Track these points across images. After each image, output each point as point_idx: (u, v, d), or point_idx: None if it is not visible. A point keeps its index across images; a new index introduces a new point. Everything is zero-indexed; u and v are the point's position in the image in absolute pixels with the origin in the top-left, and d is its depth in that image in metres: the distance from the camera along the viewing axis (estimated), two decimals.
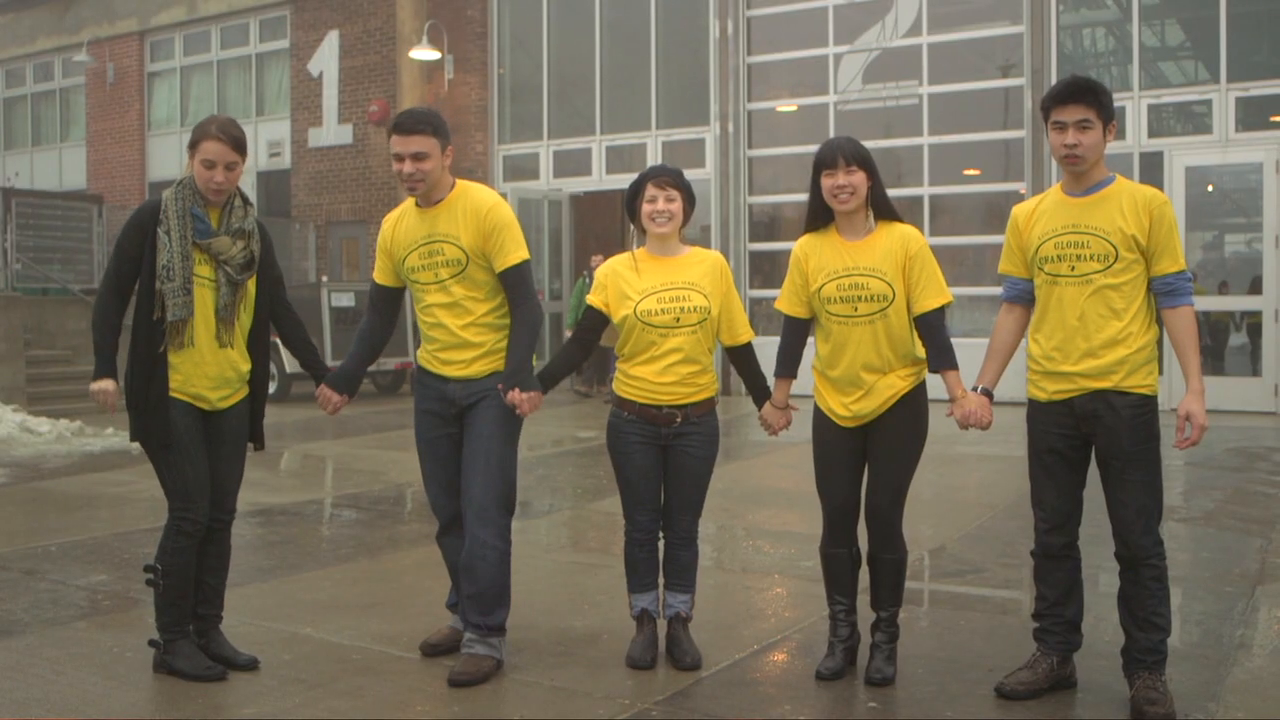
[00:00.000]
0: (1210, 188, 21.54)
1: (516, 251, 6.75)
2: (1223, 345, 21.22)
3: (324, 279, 24.47)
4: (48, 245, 26.13)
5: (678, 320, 6.74)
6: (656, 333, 6.76)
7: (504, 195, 25.66)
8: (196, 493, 6.63)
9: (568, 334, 24.38)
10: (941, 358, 6.60)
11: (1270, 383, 19.98)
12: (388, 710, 6.19)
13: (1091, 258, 6.11)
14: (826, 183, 6.48)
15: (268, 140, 30.48)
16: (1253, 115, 20.51)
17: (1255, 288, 20.18)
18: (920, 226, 22.55)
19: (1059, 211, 6.27)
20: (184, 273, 6.59)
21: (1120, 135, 20.46)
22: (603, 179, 26.19)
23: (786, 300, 6.86)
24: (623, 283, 6.91)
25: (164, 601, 6.65)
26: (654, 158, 24.99)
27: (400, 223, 7.02)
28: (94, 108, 34.35)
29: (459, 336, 6.83)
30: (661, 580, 7.05)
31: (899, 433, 6.61)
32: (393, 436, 17.49)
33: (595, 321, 7.04)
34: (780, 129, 24.80)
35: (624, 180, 25.47)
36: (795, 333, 6.92)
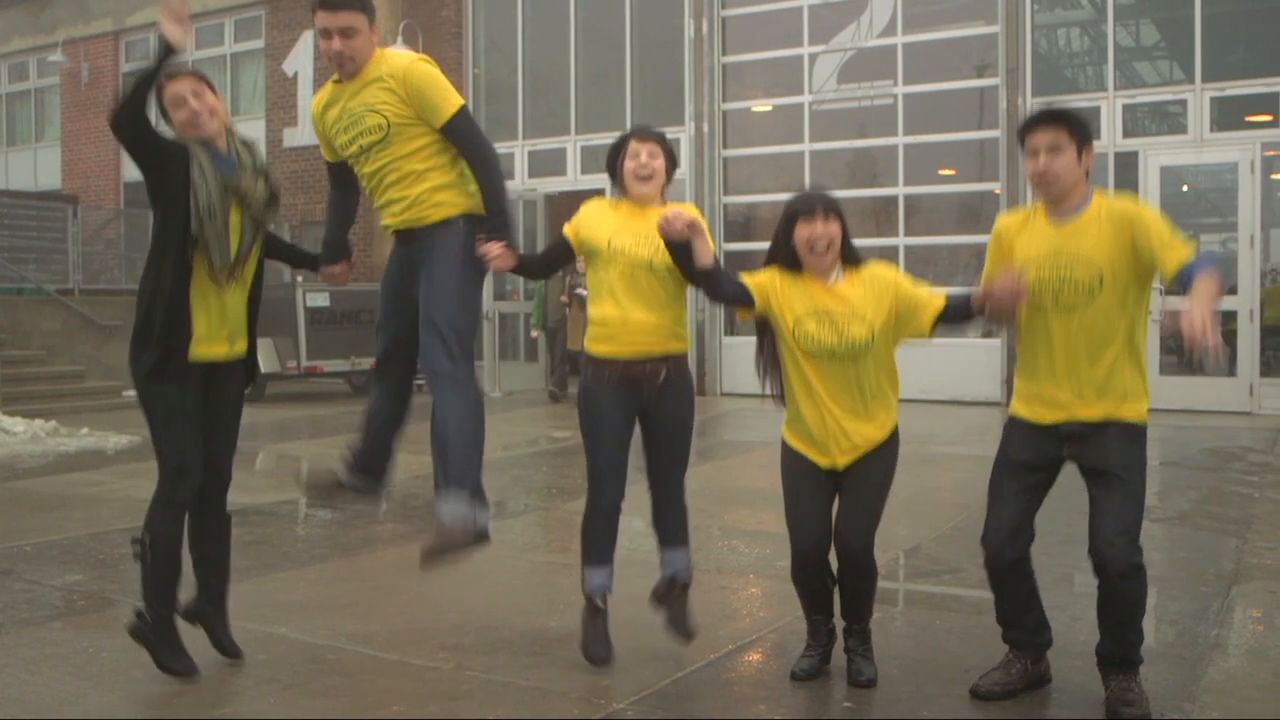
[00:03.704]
0: (1185, 188, 21.62)
1: (448, 103, 6.59)
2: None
3: (299, 279, 24.45)
4: (23, 245, 26.08)
5: (651, 263, 6.67)
6: (628, 265, 6.71)
7: None
8: (194, 466, 6.48)
9: (534, 334, 24.56)
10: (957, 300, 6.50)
11: (1245, 383, 20.04)
12: (363, 710, 6.18)
13: (1076, 287, 6.04)
14: (804, 232, 6.38)
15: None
16: (1227, 115, 20.57)
17: (1230, 288, 20.21)
18: (895, 226, 22.68)
19: (1041, 238, 6.21)
20: (224, 213, 6.40)
21: (1095, 135, 20.51)
22: (578, 179, 26.09)
23: (752, 279, 6.66)
24: (601, 218, 6.89)
25: (151, 574, 6.51)
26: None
27: (327, 106, 6.87)
28: (69, 108, 34.24)
29: (404, 196, 6.75)
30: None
31: (874, 471, 6.54)
32: None
33: (561, 249, 7.05)
34: (755, 129, 24.83)
35: (600, 180, 25.52)
36: (738, 292, 6.66)
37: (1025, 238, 6.28)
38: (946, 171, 23.26)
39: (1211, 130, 20.49)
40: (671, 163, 6.98)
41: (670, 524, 7.10)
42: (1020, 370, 6.41)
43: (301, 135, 29.06)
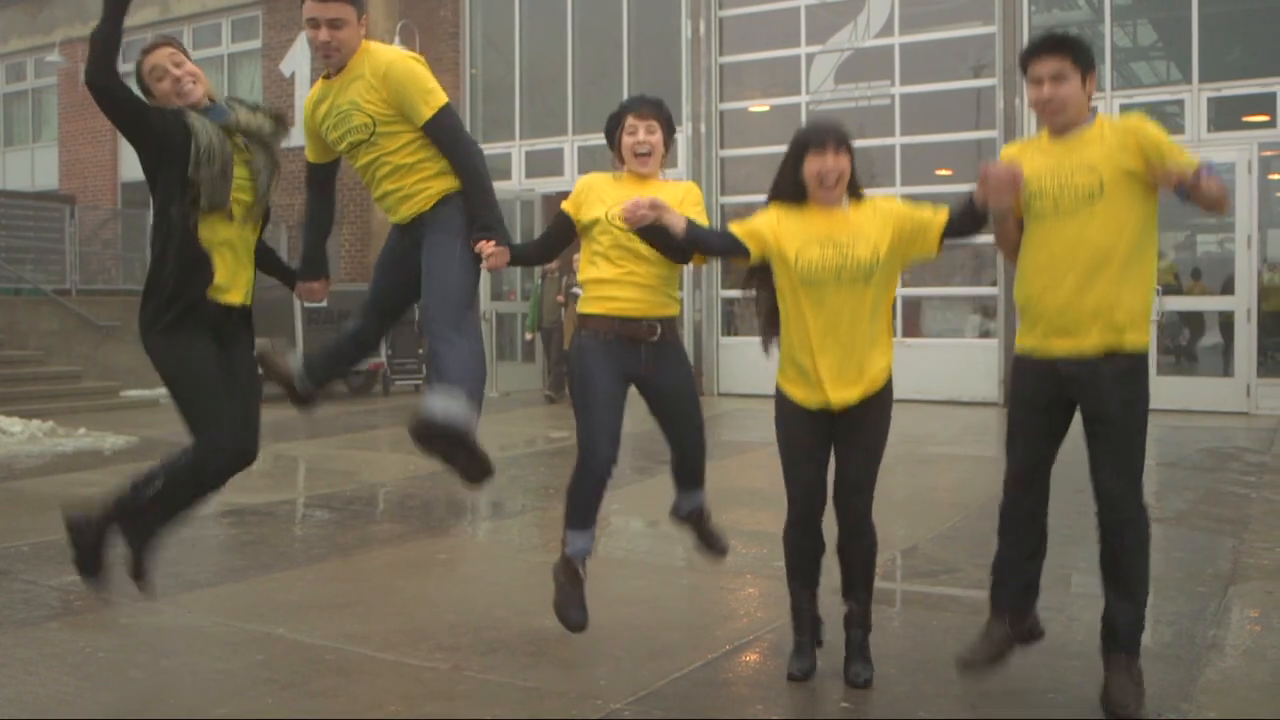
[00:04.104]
0: None
1: (430, 101, 6.62)
2: (1195, 345, 21.27)
3: None
4: (20, 245, 26.07)
5: None
6: (624, 235, 6.72)
7: None
8: (232, 423, 6.50)
9: (528, 336, 24.56)
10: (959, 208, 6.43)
11: (1242, 383, 20.03)
12: (360, 710, 6.17)
13: (1076, 192, 5.97)
14: (814, 164, 6.38)
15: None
16: (1225, 116, 20.55)
17: (1228, 288, 20.23)
18: None
19: (1044, 155, 6.16)
20: (222, 158, 6.41)
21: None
22: (575, 179, 25.78)
23: (742, 226, 6.61)
24: (600, 190, 6.97)
25: (136, 510, 6.52)
26: None
27: (318, 103, 6.98)
28: (66, 108, 34.22)
29: (400, 190, 6.83)
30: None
31: (869, 426, 6.48)
32: (364, 437, 17.48)
33: (561, 226, 7.12)
34: (752, 129, 24.80)
35: None
36: (726, 241, 6.66)
37: (1028, 157, 6.22)
38: (943, 172, 23.22)
39: (1209, 130, 20.48)
40: (670, 133, 7.10)
41: (689, 475, 7.40)
42: (1019, 287, 6.29)
43: (299, 135, 29.01)
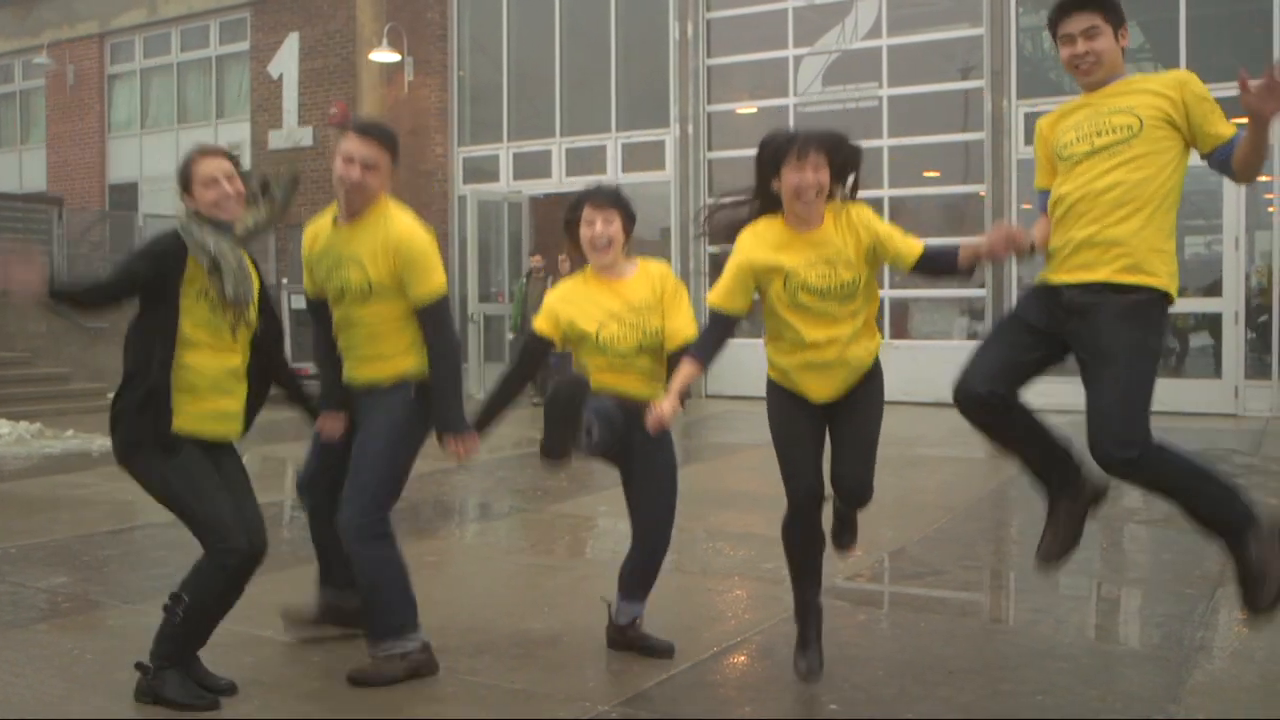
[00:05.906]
0: None
1: (429, 284, 6.56)
2: (1183, 347, 21.28)
3: (284, 281, 24.43)
4: (8, 248, 26.02)
5: (640, 346, 6.66)
6: (618, 357, 6.67)
7: (463, 197, 25.74)
8: (234, 522, 6.33)
9: (510, 337, 24.47)
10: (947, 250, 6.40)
11: (1230, 385, 20.06)
12: (347, 712, 6.19)
13: (1111, 130, 5.85)
14: (792, 178, 6.14)
15: (227, 142, 30.17)
16: None
17: (1215, 290, 20.25)
18: None
19: (1079, 107, 6.05)
20: (236, 256, 6.24)
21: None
22: (562, 181, 25.97)
23: (722, 290, 6.53)
24: (574, 302, 6.79)
25: (174, 633, 6.35)
26: (614, 160, 24.92)
27: (318, 239, 6.89)
28: (54, 110, 34.19)
29: (369, 351, 6.77)
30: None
31: (863, 409, 6.44)
32: None
33: (538, 349, 6.89)
34: (740, 131, 24.75)
35: (584, 182, 25.38)
36: (724, 328, 6.62)
37: (1062, 116, 6.13)
38: (931, 174, 23.27)
39: None
40: (629, 220, 6.87)
41: (643, 579, 7.07)
42: (1053, 228, 6.10)
43: (286, 137, 29.04)
